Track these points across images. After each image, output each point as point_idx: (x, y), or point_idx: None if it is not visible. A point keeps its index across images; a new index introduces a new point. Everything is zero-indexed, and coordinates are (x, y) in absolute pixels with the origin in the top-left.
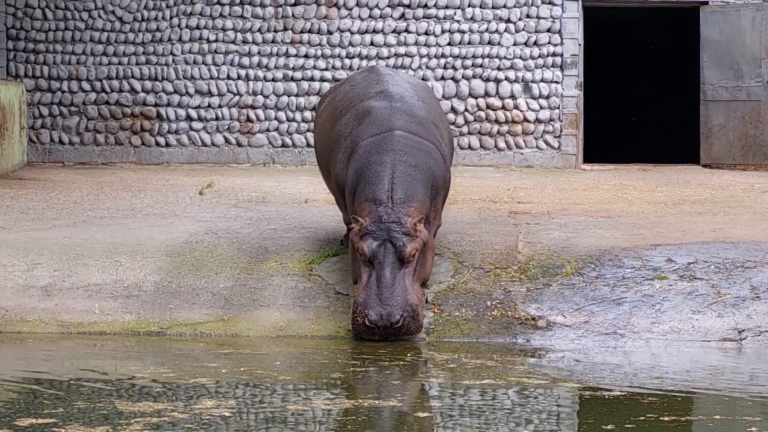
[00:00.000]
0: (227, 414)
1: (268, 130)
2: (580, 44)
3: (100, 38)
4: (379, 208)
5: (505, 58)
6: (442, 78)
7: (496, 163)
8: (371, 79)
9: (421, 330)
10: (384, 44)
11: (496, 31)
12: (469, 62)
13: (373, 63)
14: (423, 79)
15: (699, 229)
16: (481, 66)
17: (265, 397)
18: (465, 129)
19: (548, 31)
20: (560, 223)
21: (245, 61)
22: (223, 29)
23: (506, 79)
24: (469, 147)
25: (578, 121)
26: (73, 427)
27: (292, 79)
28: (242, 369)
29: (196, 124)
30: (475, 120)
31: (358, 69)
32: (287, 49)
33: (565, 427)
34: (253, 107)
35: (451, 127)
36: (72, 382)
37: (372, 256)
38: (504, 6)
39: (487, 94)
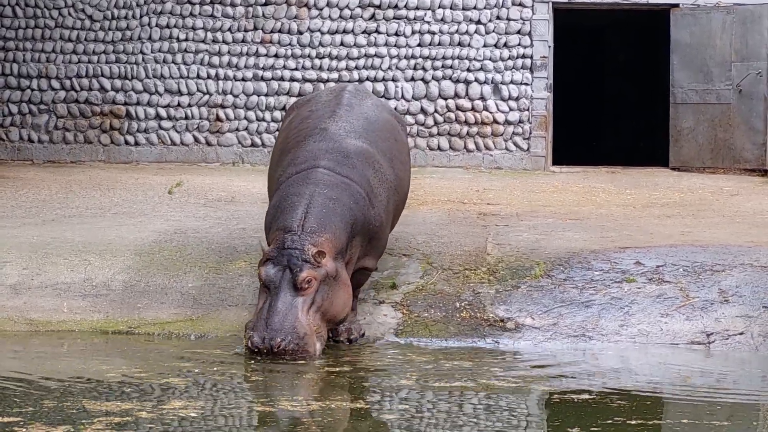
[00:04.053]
0: (194, 414)
1: (237, 129)
2: (550, 46)
3: (70, 36)
4: (286, 235)
5: (475, 59)
6: (412, 79)
7: (466, 165)
8: (327, 109)
9: (311, 357)
10: (354, 45)
11: (466, 32)
12: (439, 63)
13: (343, 64)
14: (393, 80)
15: (668, 232)
16: (450, 67)
17: (233, 398)
18: (434, 130)
19: (518, 32)
20: (529, 225)
21: (215, 60)
22: (193, 28)
23: (476, 80)
24: (439, 148)
25: (547, 123)
26: (36, 426)
27: (262, 78)
28: (215, 369)
29: (166, 123)
30: (444, 121)
31: (327, 69)
32: (257, 48)
33: (531, 430)
34: (222, 107)
35: (420, 128)
36: (41, 380)
37: (268, 281)
38: (474, 7)
39: (456, 96)
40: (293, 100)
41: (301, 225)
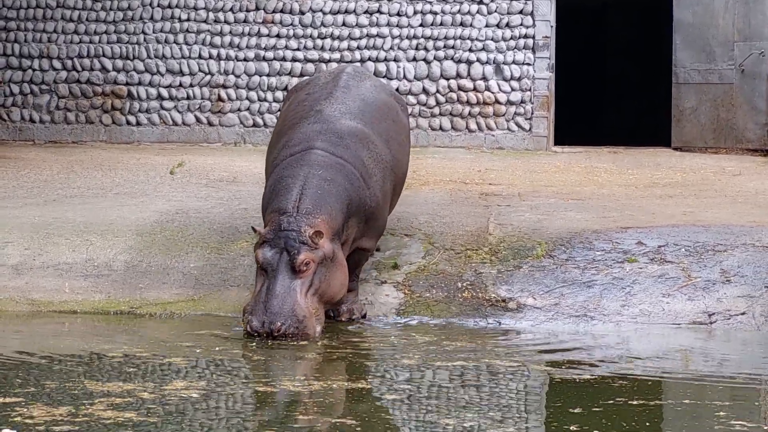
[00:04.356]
0: (195, 395)
1: (239, 109)
2: (552, 26)
3: (71, 16)
4: (281, 217)
5: (477, 39)
6: (414, 59)
7: (468, 145)
8: (324, 92)
9: (311, 340)
10: (356, 25)
11: (468, 12)
12: (441, 43)
13: (345, 44)
14: (395, 60)
15: (669, 212)
16: (453, 47)
17: (234, 379)
18: (436, 110)
19: (520, 12)
20: (531, 205)
21: (217, 40)
22: (195, 8)
23: (478, 60)
24: (440, 128)
25: (549, 103)
26: (37, 406)
27: (264, 58)
28: (217, 349)
29: (167, 103)
30: (446, 101)
31: (329, 49)
32: (259, 28)
33: (533, 411)
34: (224, 87)
35: (422, 108)
36: (43, 361)
37: (265, 264)
38: None
39: (458, 76)
40: (295, 80)
41: (296, 206)
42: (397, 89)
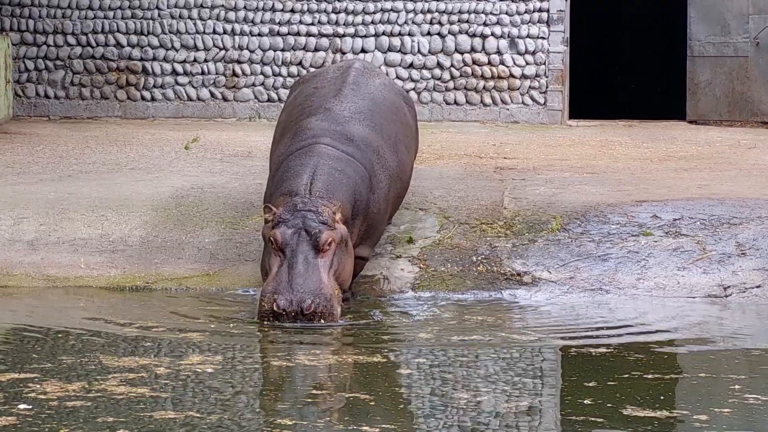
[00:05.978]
0: (210, 369)
1: (254, 84)
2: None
3: None
4: (295, 198)
5: (491, 13)
6: (428, 33)
7: (482, 119)
8: (332, 87)
9: (335, 320)
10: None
11: None
12: (455, 17)
13: (359, 18)
14: (409, 34)
15: (685, 185)
16: (467, 21)
17: (250, 353)
18: (451, 84)
19: None
20: (546, 179)
21: (231, 15)
22: None
23: (492, 34)
24: (455, 102)
25: (564, 77)
26: (51, 382)
27: (278, 33)
28: (232, 324)
29: (182, 79)
30: (461, 75)
31: (344, 24)
32: (273, 3)
33: (548, 384)
34: (239, 62)
35: (437, 82)
36: (58, 336)
37: (284, 243)
38: None
39: (473, 50)
40: (309, 55)
41: (308, 189)
42: (411, 64)
